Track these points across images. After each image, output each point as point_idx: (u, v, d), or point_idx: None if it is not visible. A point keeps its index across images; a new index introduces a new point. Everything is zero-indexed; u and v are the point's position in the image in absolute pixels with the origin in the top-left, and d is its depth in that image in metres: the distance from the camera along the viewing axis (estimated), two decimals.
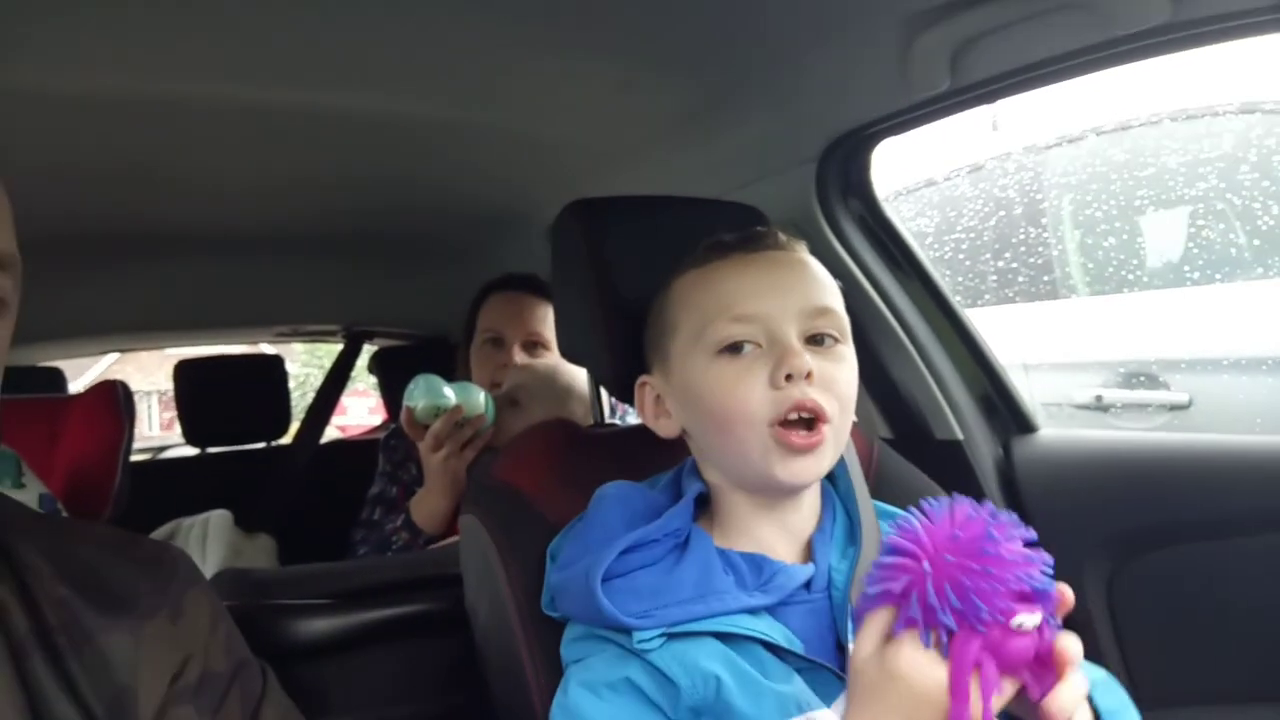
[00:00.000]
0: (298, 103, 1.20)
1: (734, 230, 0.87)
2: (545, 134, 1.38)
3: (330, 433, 2.43)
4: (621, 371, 0.93)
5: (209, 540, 1.70)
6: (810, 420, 0.76)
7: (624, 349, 0.93)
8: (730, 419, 0.77)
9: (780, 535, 0.81)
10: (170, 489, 2.08)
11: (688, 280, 0.84)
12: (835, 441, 0.78)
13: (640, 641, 0.71)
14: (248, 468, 2.21)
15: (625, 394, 0.94)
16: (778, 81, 1.19)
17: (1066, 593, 0.64)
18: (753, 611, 0.75)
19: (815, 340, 0.79)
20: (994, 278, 2.84)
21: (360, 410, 6.27)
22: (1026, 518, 1.22)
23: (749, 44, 1.12)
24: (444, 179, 1.64)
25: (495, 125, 1.33)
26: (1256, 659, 1.02)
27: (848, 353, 0.81)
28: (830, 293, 0.82)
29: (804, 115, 1.24)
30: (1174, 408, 2.20)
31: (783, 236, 0.85)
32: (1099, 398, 2.40)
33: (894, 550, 0.64)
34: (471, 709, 0.93)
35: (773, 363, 0.76)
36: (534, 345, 1.65)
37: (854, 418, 0.83)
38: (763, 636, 0.73)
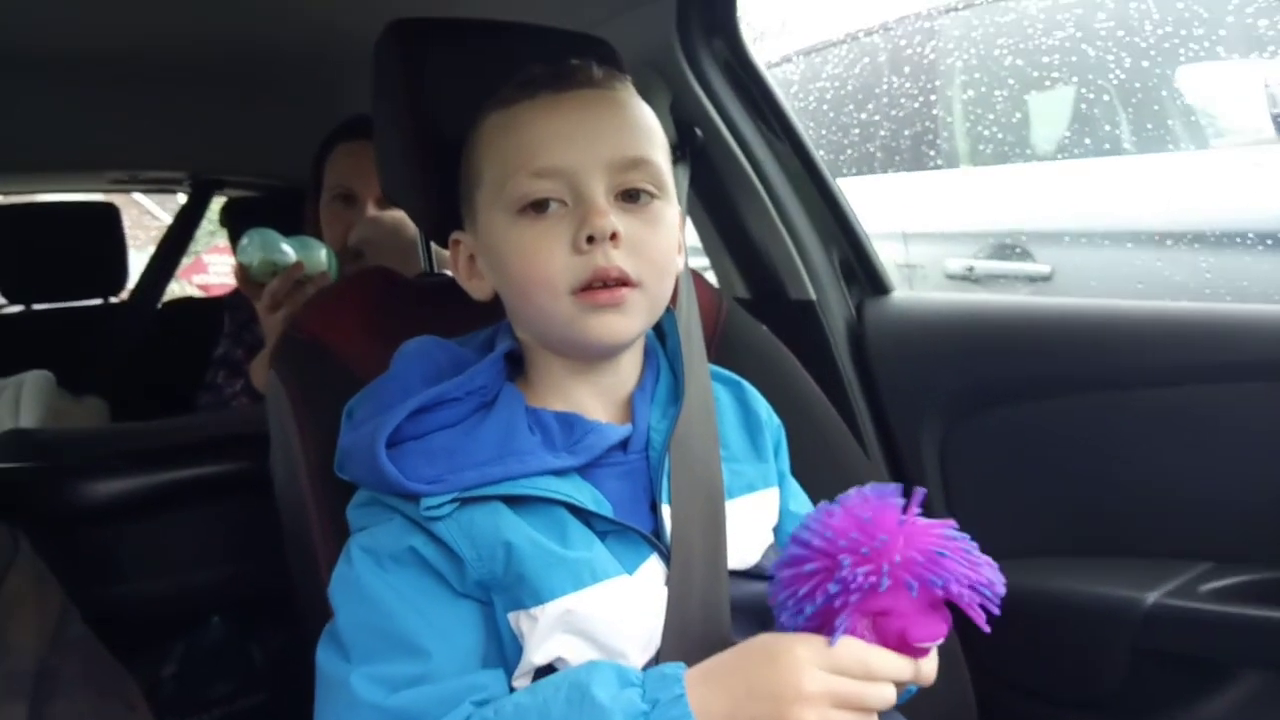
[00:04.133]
0: None
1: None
2: None
3: (194, 294, 2.26)
4: (442, 221, 0.85)
5: (23, 403, 1.56)
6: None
7: (445, 195, 0.84)
8: (531, 286, 0.71)
9: (595, 396, 0.76)
10: None
11: (491, 123, 0.75)
12: (649, 306, 0.73)
13: (427, 509, 0.66)
14: (80, 326, 2.04)
15: (447, 245, 0.86)
16: None
17: None
18: (559, 473, 0.70)
19: (629, 196, 0.72)
20: (878, 146, 2.80)
21: (224, 268, 5.91)
22: (873, 377, 1.24)
23: None
24: (281, 4, 1.45)
25: None
26: (1063, 515, 1.05)
27: (666, 212, 0.74)
28: (649, 140, 0.74)
29: None
30: (1035, 278, 2.25)
31: (598, 71, 0.75)
32: (971, 268, 2.45)
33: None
34: (278, 574, 0.87)
35: (576, 223, 0.69)
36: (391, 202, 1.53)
37: (673, 276, 0.76)
38: (565, 498, 0.68)
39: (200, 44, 1.63)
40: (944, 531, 0.59)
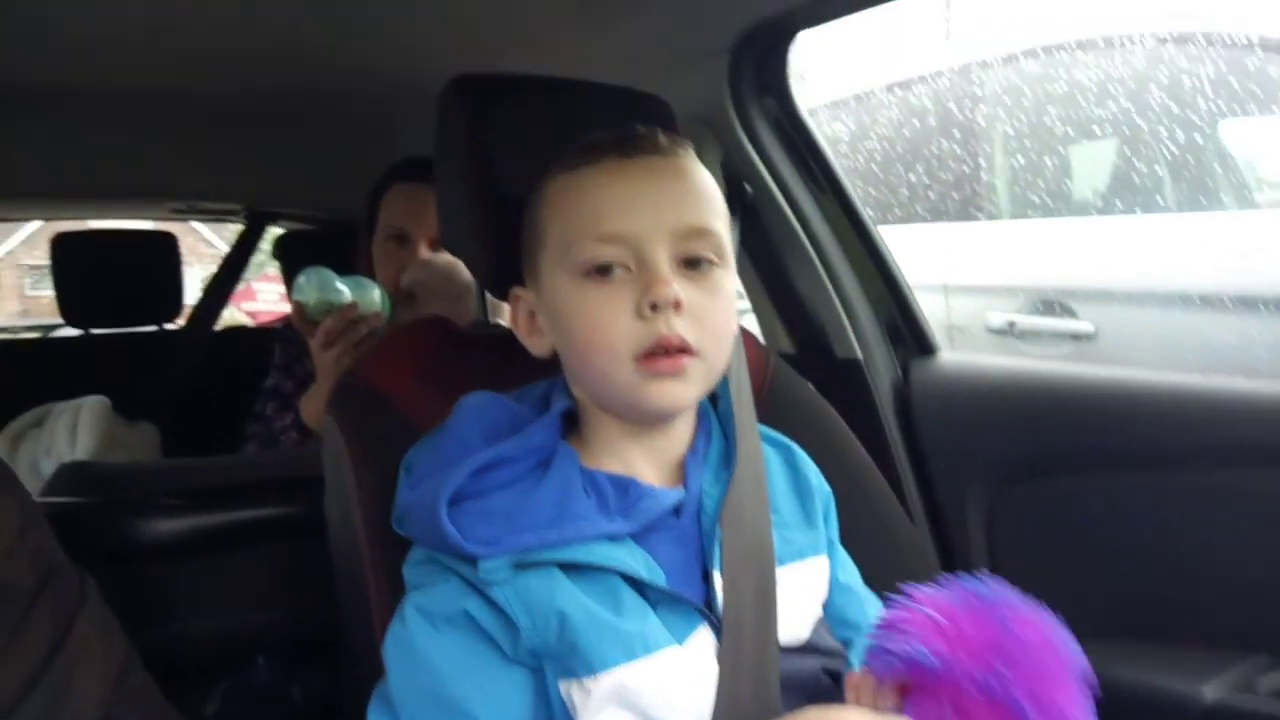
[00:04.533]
0: None
1: (632, 122, 0.78)
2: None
3: (242, 320, 2.32)
4: (501, 274, 0.86)
5: (80, 428, 1.60)
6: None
7: (505, 249, 0.85)
8: (593, 350, 0.72)
9: (648, 459, 0.77)
10: (50, 371, 1.96)
11: (557, 185, 0.76)
12: (706, 373, 0.73)
13: (485, 573, 0.66)
14: (136, 351, 2.09)
15: (505, 297, 0.88)
16: None
17: None
18: (614, 538, 0.70)
19: (690, 264, 0.73)
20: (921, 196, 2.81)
21: (273, 296, 6.03)
22: (918, 440, 1.23)
23: None
24: (343, 46, 1.50)
25: None
26: (1110, 594, 1.03)
27: (725, 280, 0.75)
28: (711, 209, 0.75)
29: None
30: (1078, 337, 2.23)
31: (664, 139, 0.76)
32: (1012, 323, 2.42)
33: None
34: (324, 618, 0.88)
35: (639, 290, 0.70)
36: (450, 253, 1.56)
37: (730, 343, 0.77)
38: (620, 568, 0.68)
39: (259, 83, 1.69)
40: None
